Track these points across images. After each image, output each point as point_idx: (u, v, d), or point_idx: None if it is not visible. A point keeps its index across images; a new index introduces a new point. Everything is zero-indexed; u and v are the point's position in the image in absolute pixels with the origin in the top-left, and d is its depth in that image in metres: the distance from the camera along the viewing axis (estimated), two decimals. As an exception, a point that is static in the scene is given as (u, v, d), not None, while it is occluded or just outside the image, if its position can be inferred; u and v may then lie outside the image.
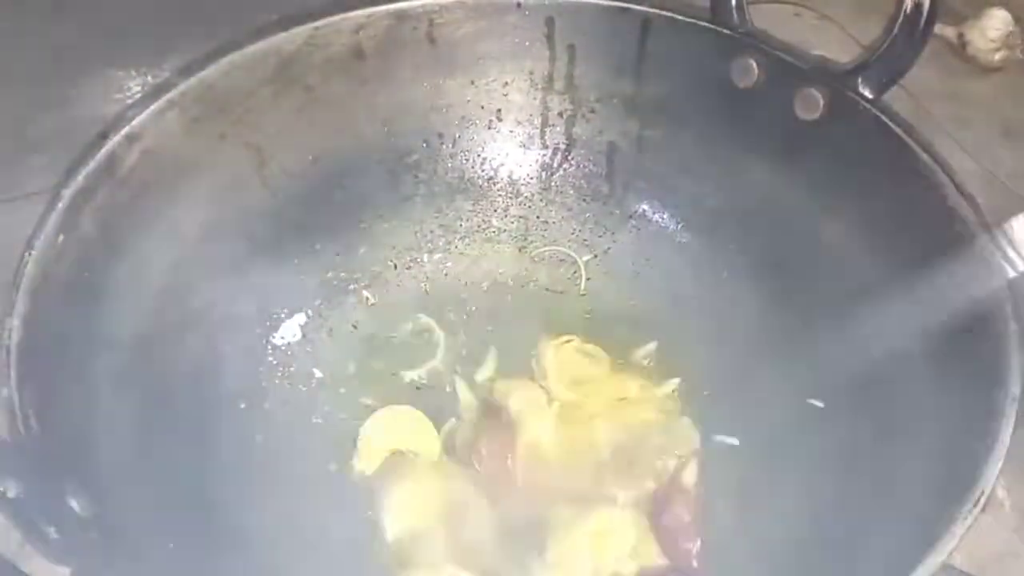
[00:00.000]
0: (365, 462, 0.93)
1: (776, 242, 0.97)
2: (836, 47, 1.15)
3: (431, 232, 1.07)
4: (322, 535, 0.87)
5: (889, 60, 0.86)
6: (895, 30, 0.85)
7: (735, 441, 0.92)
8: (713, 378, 0.97)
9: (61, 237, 0.78)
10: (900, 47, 0.86)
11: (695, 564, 0.85)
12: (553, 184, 1.09)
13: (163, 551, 0.75)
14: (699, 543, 0.86)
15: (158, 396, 0.85)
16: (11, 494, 0.64)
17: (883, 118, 0.86)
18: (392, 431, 0.94)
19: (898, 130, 0.85)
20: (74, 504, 0.67)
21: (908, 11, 0.84)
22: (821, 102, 0.90)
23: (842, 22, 1.34)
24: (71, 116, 1.15)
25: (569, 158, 1.08)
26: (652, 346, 1.00)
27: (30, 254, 0.76)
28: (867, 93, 0.87)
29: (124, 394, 0.81)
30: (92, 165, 0.81)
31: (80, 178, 0.80)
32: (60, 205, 0.79)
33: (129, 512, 0.73)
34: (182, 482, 0.82)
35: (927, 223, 0.83)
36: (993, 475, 0.67)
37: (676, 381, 0.97)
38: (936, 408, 0.78)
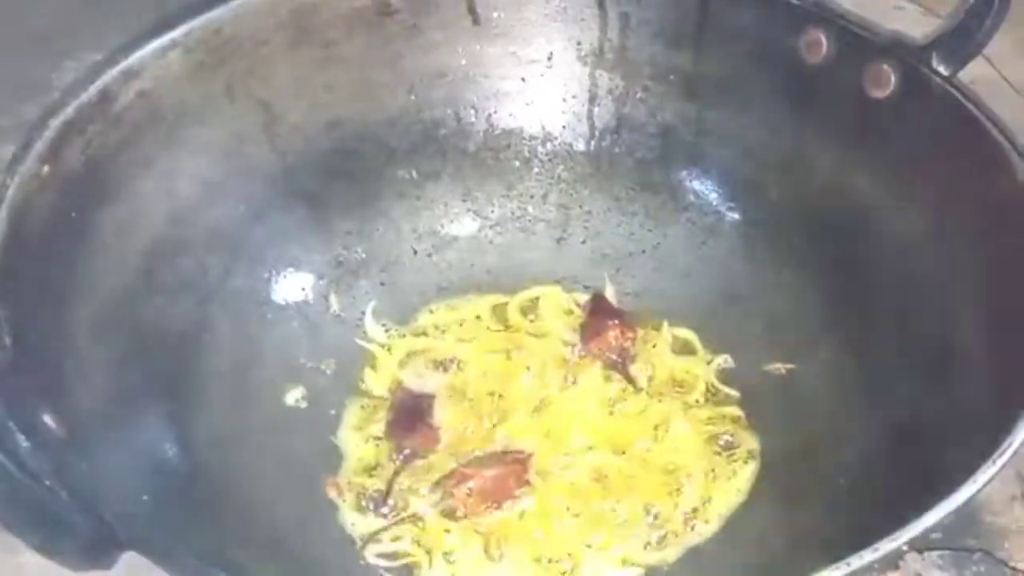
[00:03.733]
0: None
1: (841, 234, 1.00)
2: (911, 20, 1.21)
3: (457, 217, 1.11)
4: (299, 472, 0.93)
5: (967, 32, 0.90)
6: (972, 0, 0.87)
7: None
8: (764, 383, 1.01)
9: (46, 168, 0.82)
10: (979, 18, 0.90)
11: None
12: (599, 170, 1.12)
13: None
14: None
15: (140, 355, 0.88)
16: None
17: (959, 96, 0.90)
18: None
19: (974, 109, 0.89)
20: (49, 421, 0.72)
21: (987, -20, 0.84)
22: (893, 79, 0.94)
23: (919, -8, 1.33)
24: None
25: (618, 141, 1.10)
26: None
27: (12, 179, 0.80)
28: (942, 69, 0.91)
29: (102, 345, 0.84)
30: (83, 97, 0.85)
31: (70, 109, 0.85)
32: (46, 134, 0.83)
33: (99, 456, 0.76)
34: (160, 438, 0.88)
35: (1004, 211, 0.86)
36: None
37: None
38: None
